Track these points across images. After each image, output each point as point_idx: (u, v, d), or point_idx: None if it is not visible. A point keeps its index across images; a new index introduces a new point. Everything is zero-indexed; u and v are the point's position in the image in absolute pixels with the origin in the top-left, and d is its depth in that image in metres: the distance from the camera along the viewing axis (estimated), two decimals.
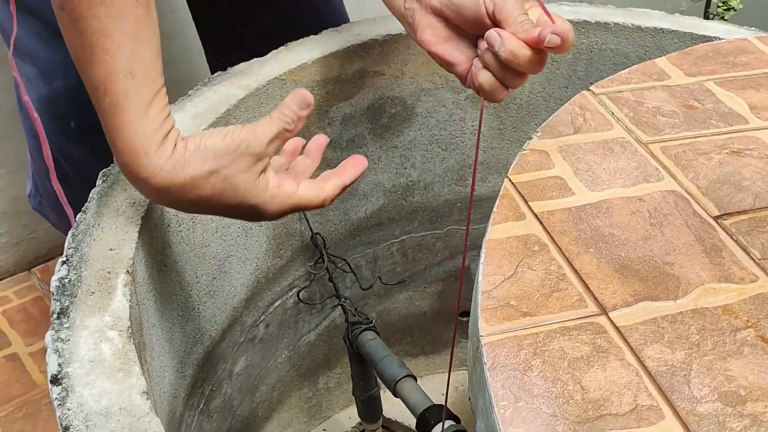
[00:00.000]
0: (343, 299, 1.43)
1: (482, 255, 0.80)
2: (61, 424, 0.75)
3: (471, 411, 0.76)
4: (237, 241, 1.29)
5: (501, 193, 0.89)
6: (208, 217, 1.18)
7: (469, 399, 0.77)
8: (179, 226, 1.11)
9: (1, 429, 1.75)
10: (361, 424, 1.74)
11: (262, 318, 1.43)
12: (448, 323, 1.74)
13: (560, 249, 0.81)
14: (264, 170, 0.84)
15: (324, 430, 1.72)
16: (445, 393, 1.10)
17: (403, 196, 1.55)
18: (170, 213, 1.08)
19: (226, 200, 0.84)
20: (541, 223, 0.85)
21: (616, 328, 0.73)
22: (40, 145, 1.47)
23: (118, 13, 0.76)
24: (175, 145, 0.82)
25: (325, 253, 1.42)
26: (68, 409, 0.76)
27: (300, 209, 0.89)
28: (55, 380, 0.79)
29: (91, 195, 1.02)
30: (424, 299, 1.70)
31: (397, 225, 1.58)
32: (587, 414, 0.66)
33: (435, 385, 1.75)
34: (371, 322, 1.43)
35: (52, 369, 0.80)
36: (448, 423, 1.28)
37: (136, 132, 0.80)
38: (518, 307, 0.75)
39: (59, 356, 0.81)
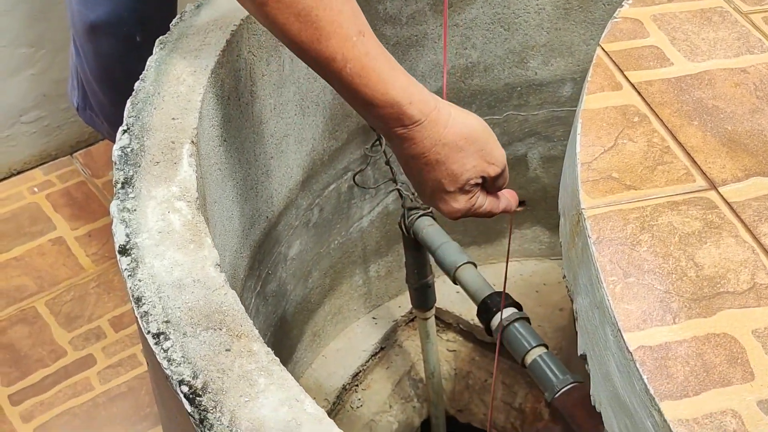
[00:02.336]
0: (399, 183, 1.39)
1: (578, 125, 0.74)
2: (133, 295, 0.71)
3: (567, 290, 0.71)
4: (294, 120, 1.23)
5: (594, 61, 0.82)
6: (267, 91, 1.13)
7: (564, 276, 0.72)
8: (239, 99, 1.05)
9: (49, 311, 1.75)
10: (411, 312, 1.72)
11: (316, 201, 1.39)
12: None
13: (662, 121, 0.75)
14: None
15: (374, 318, 1.70)
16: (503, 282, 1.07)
17: (462, 78, 1.48)
18: (230, 85, 1.02)
19: (445, 168, 0.83)
20: (640, 93, 0.79)
21: (728, 203, 0.68)
22: (92, 62, 1.42)
23: None
24: (437, 106, 0.80)
25: (382, 136, 1.36)
26: (139, 280, 0.72)
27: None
28: (124, 251, 0.75)
29: (148, 63, 0.97)
30: None
31: None
32: (702, 291, 0.61)
33: (487, 276, 1.72)
34: (428, 208, 1.38)
35: (119, 239, 0.76)
36: (511, 310, 1.25)
37: (392, 85, 0.76)
38: (621, 179, 0.69)
39: (126, 226, 0.77)
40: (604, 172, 0.69)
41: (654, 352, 0.57)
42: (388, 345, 1.70)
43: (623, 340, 0.57)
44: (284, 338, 1.44)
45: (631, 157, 0.71)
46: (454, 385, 1.73)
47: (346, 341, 1.65)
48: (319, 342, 1.59)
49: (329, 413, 1.54)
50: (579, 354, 0.67)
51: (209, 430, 0.62)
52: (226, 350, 0.67)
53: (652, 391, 0.55)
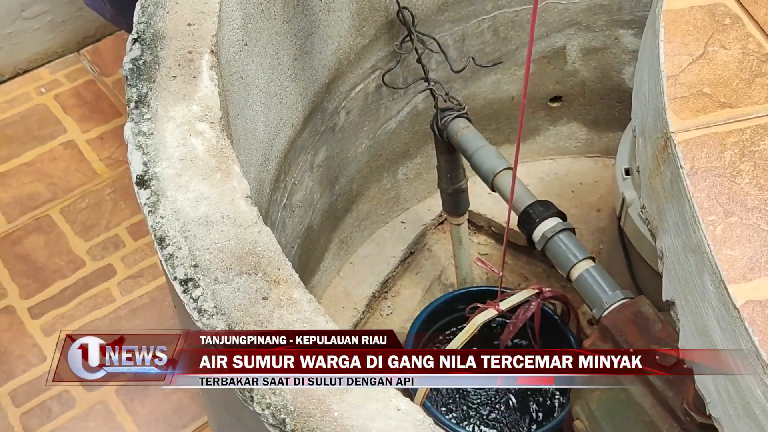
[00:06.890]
0: (432, 83, 1.28)
1: (660, 30, 0.64)
2: (155, 235, 0.64)
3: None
4: (318, 16, 1.12)
5: None
6: None
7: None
8: None
9: (64, 219, 1.68)
10: (440, 215, 1.65)
11: (343, 104, 1.29)
12: (538, 110, 1.59)
13: (757, 23, 0.65)
14: None
15: (402, 222, 1.62)
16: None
17: None
18: None
19: None
20: None
21: None
22: None
23: None
24: None
25: (413, 31, 1.25)
26: (161, 217, 0.64)
27: None
28: (142, 182, 0.67)
29: None
30: (512, 83, 1.54)
31: None
32: None
33: (521, 175, 1.63)
34: (463, 108, 1.28)
35: (136, 169, 0.68)
36: (555, 220, 1.17)
37: None
38: (714, 95, 0.60)
39: (143, 153, 0.69)
40: (694, 87, 0.60)
41: (766, 308, 0.49)
42: (417, 250, 1.63)
43: (727, 293, 0.49)
44: (311, 248, 1.37)
45: (724, 67, 0.61)
46: None
47: (375, 247, 1.59)
48: (346, 249, 1.52)
49: (359, 322, 1.49)
50: (664, 299, 0.59)
51: (249, 392, 0.55)
52: (264, 299, 0.59)
53: (765, 357, 0.47)
